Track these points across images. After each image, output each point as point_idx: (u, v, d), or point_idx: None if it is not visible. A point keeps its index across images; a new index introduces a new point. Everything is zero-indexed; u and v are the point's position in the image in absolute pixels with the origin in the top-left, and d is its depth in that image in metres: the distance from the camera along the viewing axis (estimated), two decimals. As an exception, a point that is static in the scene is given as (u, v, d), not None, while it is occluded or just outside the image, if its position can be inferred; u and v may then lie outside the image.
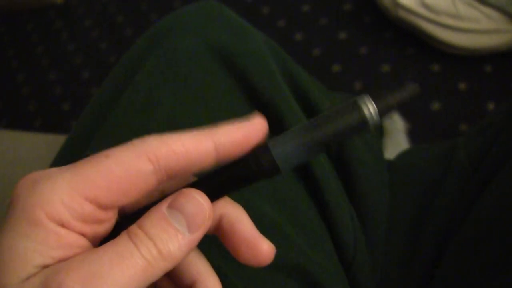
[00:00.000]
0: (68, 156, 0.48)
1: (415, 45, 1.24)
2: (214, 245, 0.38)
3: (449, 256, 0.46)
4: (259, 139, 0.28)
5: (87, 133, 0.47)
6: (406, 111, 1.18)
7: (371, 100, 0.26)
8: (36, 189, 0.24)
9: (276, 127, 0.47)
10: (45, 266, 0.24)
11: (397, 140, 1.07)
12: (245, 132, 0.27)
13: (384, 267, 0.51)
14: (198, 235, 0.26)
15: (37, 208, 0.24)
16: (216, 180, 0.28)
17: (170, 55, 0.48)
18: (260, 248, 0.28)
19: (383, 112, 0.26)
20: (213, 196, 0.28)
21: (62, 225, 0.24)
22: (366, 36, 1.31)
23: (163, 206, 0.26)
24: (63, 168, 0.25)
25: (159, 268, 0.25)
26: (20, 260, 0.24)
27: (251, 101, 0.47)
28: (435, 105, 1.17)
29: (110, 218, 0.27)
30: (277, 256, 0.41)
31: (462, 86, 1.18)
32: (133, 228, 0.25)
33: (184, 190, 0.27)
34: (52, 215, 0.24)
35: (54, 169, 0.25)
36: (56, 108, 1.52)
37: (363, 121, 0.26)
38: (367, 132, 0.27)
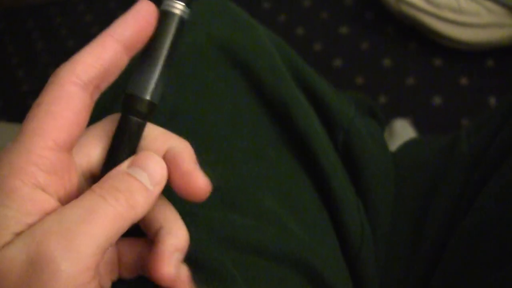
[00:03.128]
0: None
1: (416, 39, 1.24)
2: (213, 238, 0.38)
3: (452, 247, 0.46)
4: (155, 17, 0.29)
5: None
6: (407, 105, 1.18)
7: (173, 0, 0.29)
8: (4, 163, 0.26)
9: (282, 120, 0.47)
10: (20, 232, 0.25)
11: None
12: (142, 18, 0.29)
13: (387, 259, 0.51)
14: (159, 188, 0.28)
15: (11, 177, 0.25)
16: (118, 148, 0.30)
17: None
18: (195, 182, 0.29)
19: (189, 1, 0.30)
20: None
21: (38, 185, 0.26)
22: (367, 31, 1.31)
23: (123, 165, 0.28)
24: (14, 137, 0.27)
25: (130, 218, 0.26)
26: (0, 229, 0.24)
27: (255, 94, 0.47)
28: (437, 100, 1.17)
29: (72, 168, 0.28)
30: (278, 248, 0.41)
31: (463, 80, 1.18)
32: (96, 186, 0.27)
33: (144, 152, 0.29)
34: (27, 179, 0.25)
35: (8, 144, 0.27)
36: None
37: (181, 21, 0.30)
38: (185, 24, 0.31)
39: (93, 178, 0.30)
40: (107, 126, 0.31)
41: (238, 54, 0.48)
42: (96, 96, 0.29)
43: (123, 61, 0.29)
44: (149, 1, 0.30)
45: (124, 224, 0.26)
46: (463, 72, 1.19)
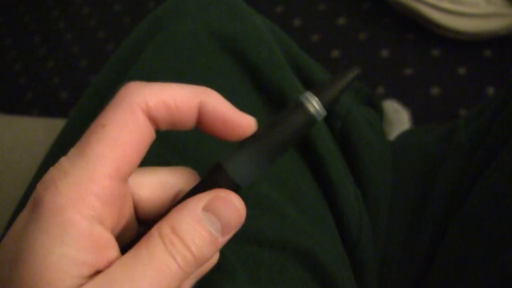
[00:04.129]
0: (67, 141, 0.47)
1: (414, 30, 1.24)
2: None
3: (450, 236, 0.46)
4: (240, 135, 0.27)
5: (86, 119, 0.46)
6: (405, 95, 1.18)
7: (314, 95, 0.26)
8: (61, 189, 0.23)
9: (280, 108, 0.47)
10: (84, 277, 0.23)
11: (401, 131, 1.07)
12: (234, 116, 0.27)
13: (386, 246, 0.52)
14: (229, 237, 0.26)
15: (69, 208, 0.23)
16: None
17: (170, 40, 0.48)
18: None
19: (328, 104, 0.27)
20: None
21: (96, 218, 0.24)
22: (365, 22, 1.31)
23: (197, 207, 0.25)
24: (70, 156, 0.24)
25: (192, 272, 0.25)
26: (56, 271, 0.22)
27: (252, 83, 0.47)
28: (435, 90, 1.17)
29: (127, 198, 0.27)
30: (277, 236, 0.41)
31: (461, 70, 1.18)
32: (166, 231, 0.25)
33: (222, 194, 0.26)
34: (86, 211, 0.23)
35: (64, 162, 0.24)
36: (53, 96, 1.52)
37: (311, 120, 0.27)
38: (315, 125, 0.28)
39: (142, 207, 0.29)
40: (167, 171, 0.29)
41: (236, 43, 0.48)
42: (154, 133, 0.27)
43: (190, 123, 0.27)
44: (253, 123, 0.28)
45: (185, 278, 0.25)
46: (461, 62, 1.19)
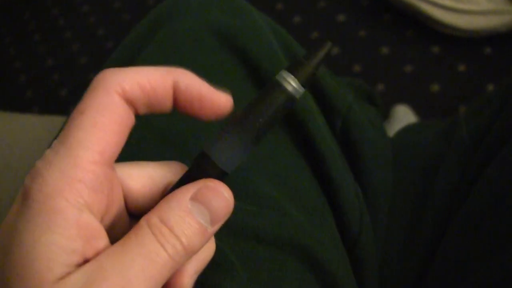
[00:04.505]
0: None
1: (414, 27, 1.24)
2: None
3: (451, 233, 0.46)
4: (219, 112, 0.28)
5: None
6: (405, 93, 1.18)
7: (290, 74, 0.26)
8: (47, 179, 0.23)
9: None
10: (72, 265, 0.23)
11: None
12: (209, 93, 0.27)
13: (386, 244, 0.52)
14: (218, 227, 0.26)
15: (55, 196, 0.23)
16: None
17: (171, 37, 0.48)
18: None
19: (305, 81, 0.27)
20: None
21: (84, 204, 0.24)
22: (365, 19, 1.31)
23: (185, 198, 0.25)
24: (54, 147, 0.24)
25: (181, 263, 0.25)
26: (44, 259, 0.22)
27: (253, 80, 0.47)
28: (435, 87, 1.17)
29: (115, 184, 0.27)
30: (277, 233, 0.41)
31: (461, 67, 1.18)
32: (155, 221, 0.25)
33: (210, 183, 0.26)
34: (73, 198, 0.23)
35: (48, 153, 0.24)
36: (53, 94, 1.52)
37: (290, 98, 0.27)
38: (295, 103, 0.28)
39: (132, 199, 0.29)
40: (157, 164, 0.29)
41: (236, 40, 0.48)
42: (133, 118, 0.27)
43: (167, 104, 0.27)
44: (229, 100, 0.28)
45: (176, 267, 0.25)
46: (461, 59, 1.19)
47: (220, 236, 0.39)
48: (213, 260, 0.38)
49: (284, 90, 0.26)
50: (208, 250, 0.29)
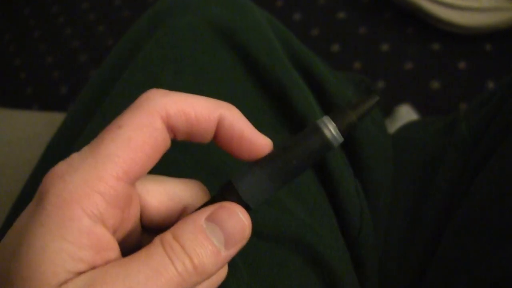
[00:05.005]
0: (66, 135, 0.47)
1: (414, 24, 1.24)
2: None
3: (451, 230, 0.46)
4: (256, 154, 0.27)
5: (85, 112, 0.46)
6: (405, 90, 1.18)
7: (331, 121, 0.26)
8: (67, 184, 0.23)
9: (280, 102, 0.47)
10: (76, 272, 0.23)
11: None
12: (251, 134, 0.27)
13: (386, 240, 0.52)
14: (234, 251, 0.26)
15: (73, 203, 0.23)
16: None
17: (170, 34, 0.48)
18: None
19: (345, 130, 0.26)
20: None
21: (99, 217, 0.23)
22: (365, 16, 1.31)
23: (201, 217, 0.25)
24: (82, 153, 0.24)
25: (191, 283, 0.24)
26: (51, 264, 0.22)
27: (253, 77, 0.47)
28: (435, 84, 1.17)
29: (134, 202, 0.27)
30: (278, 229, 0.41)
31: (462, 65, 1.18)
32: (168, 238, 0.24)
33: (226, 204, 0.26)
34: (90, 209, 0.23)
35: (75, 157, 0.24)
36: (53, 91, 1.51)
37: (327, 145, 0.26)
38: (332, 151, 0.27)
39: (148, 215, 0.28)
40: (177, 181, 0.29)
41: (235, 37, 0.48)
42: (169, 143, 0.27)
43: (207, 137, 0.27)
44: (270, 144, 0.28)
45: (185, 286, 0.24)
46: (461, 56, 1.18)
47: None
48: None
49: (323, 136, 0.26)
50: (221, 275, 0.29)
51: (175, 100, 0.25)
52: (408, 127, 0.63)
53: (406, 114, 1.10)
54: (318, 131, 0.26)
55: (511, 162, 0.42)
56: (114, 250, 0.24)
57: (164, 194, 0.28)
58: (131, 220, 0.27)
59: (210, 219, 0.25)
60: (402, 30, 1.25)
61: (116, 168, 0.24)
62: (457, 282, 0.43)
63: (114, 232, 0.25)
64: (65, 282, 0.22)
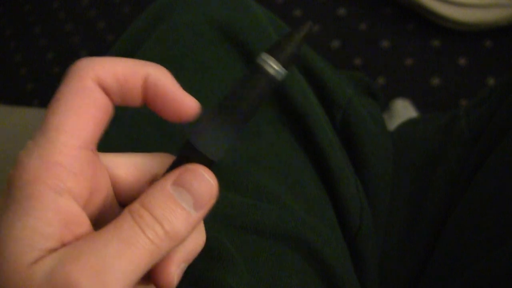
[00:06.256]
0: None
1: (415, 20, 1.24)
2: (211, 217, 0.38)
3: (451, 226, 0.46)
4: (182, 115, 0.27)
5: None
6: (406, 86, 1.18)
7: (270, 56, 0.26)
8: (26, 166, 0.23)
9: (280, 98, 0.47)
10: (47, 250, 0.23)
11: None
12: (175, 93, 0.27)
13: (386, 237, 0.52)
14: (203, 212, 0.26)
15: (35, 181, 0.23)
16: None
17: (171, 31, 0.48)
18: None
19: (287, 62, 0.26)
20: None
21: (64, 188, 0.24)
22: (365, 12, 1.30)
23: (167, 183, 0.25)
24: (33, 137, 0.24)
25: (165, 249, 0.24)
26: (19, 243, 0.22)
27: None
28: (435, 80, 1.17)
29: (99, 169, 0.27)
30: (277, 226, 0.41)
31: (462, 61, 1.18)
32: (137, 207, 0.24)
33: (190, 166, 0.26)
34: (52, 181, 0.23)
35: (29, 143, 0.24)
36: (54, 87, 1.51)
37: (272, 81, 0.26)
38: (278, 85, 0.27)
39: (120, 189, 0.29)
40: (145, 155, 0.29)
41: (236, 34, 0.48)
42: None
43: (137, 97, 0.27)
44: (197, 105, 0.27)
45: (159, 254, 0.24)
46: (462, 53, 1.18)
47: (221, 228, 0.40)
48: (213, 253, 0.38)
49: (266, 73, 0.26)
50: (197, 241, 0.29)
51: (103, 63, 0.26)
52: (408, 124, 0.63)
53: (402, 108, 1.10)
54: (260, 70, 0.26)
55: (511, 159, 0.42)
56: (83, 224, 0.24)
57: (131, 165, 0.28)
58: (101, 194, 0.27)
59: (176, 183, 0.25)
60: (402, 27, 1.25)
61: (67, 136, 0.24)
62: (457, 279, 0.43)
63: (84, 206, 0.25)
64: (35, 261, 0.22)
